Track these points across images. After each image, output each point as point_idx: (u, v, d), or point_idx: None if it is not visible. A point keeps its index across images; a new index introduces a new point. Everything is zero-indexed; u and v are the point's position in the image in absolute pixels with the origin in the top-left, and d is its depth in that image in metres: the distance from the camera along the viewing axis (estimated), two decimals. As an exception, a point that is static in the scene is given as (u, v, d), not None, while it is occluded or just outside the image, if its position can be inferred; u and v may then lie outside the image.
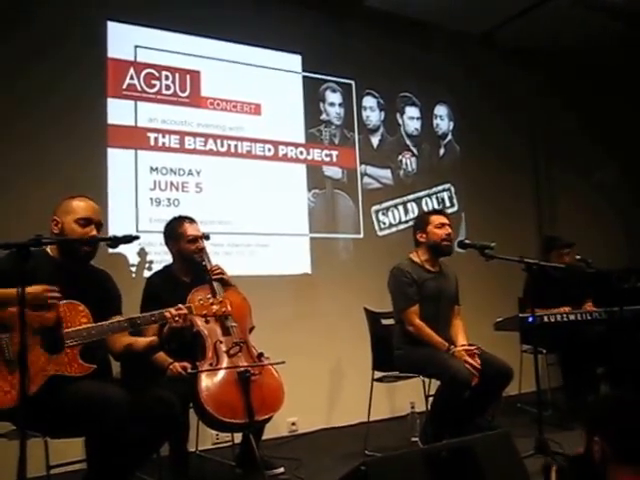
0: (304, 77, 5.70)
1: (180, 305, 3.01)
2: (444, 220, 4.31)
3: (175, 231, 3.99)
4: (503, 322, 4.86)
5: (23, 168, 4.34)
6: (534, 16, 6.10)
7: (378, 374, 4.45)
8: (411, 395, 4.19)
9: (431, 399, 4.14)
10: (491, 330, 4.83)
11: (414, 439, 4.05)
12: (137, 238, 2.91)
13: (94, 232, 3.02)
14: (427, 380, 4.20)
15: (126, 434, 2.68)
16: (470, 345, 4.05)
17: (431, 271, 4.29)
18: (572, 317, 4.75)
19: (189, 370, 3.49)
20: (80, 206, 3.04)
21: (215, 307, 3.08)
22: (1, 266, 2.80)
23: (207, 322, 3.59)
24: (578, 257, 5.09)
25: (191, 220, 4.02)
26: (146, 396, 2.90)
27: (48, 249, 3.03)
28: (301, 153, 5.58)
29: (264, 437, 3.92)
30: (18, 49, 4.42)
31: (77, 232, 2.98)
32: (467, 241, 4.17)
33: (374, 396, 4.45)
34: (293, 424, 5.09)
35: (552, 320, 4.68)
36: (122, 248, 4.13)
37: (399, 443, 4.26)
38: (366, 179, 5.93)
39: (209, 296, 3.29)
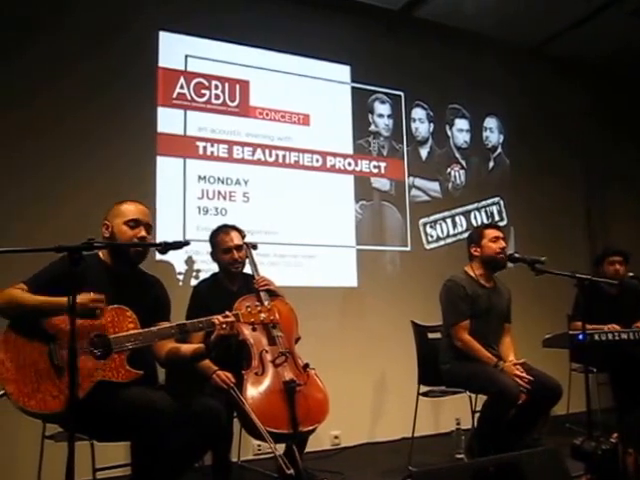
0: (353, 88, 5.69)
1: (227, 312, 2.98)
2: (498, 234, 4.25)
3: (213, 241, 4.01)
4: (552, 339, 4.77)
5: (69, 173, 4.40)
6: (589, 29, 6.02)
7: (424, 388, 4.38)
8: (457, 411, 4.15)
9: (477, 415, 4.06)
10: (539, 347, 4.74)
11: (459, 456, 4.00)
12: (187, 244, 2.89)
13: (143, 233, 3.02)
14: (474, 396, 4.12)
15: (171, 441, 2.68)
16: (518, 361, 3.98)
17: (485, 286, 4.22)
18: (624, 336, 4.64)
19: (232, 380, 3.47)
20: (129, 209, 3.05)
21: (263, 315, 3.04)
22: (54, 270, 2.82)
23: (254, 330, 3.57)
24: (631, 274, 4.98)
25: (229, 230, 3.99)
26: (193, 404, 2.88)
27: (100, 253, 3.04)
28: (349, 164, 5.57)
29: (306, 450, 3.85)
30: (66, 53, 4.49)
31: (127, 234, 2.99)
32: (517, 255, 4.10)
33: (419, 411, 4.38)
34: (336, 437, 5.05)
35: (603, 338, 4.57)
36: (170, 256, 4.11)
37: (443, 459, 4.20)
38: (414, 191, 5.89)
39: (257, 304, 3.27)
